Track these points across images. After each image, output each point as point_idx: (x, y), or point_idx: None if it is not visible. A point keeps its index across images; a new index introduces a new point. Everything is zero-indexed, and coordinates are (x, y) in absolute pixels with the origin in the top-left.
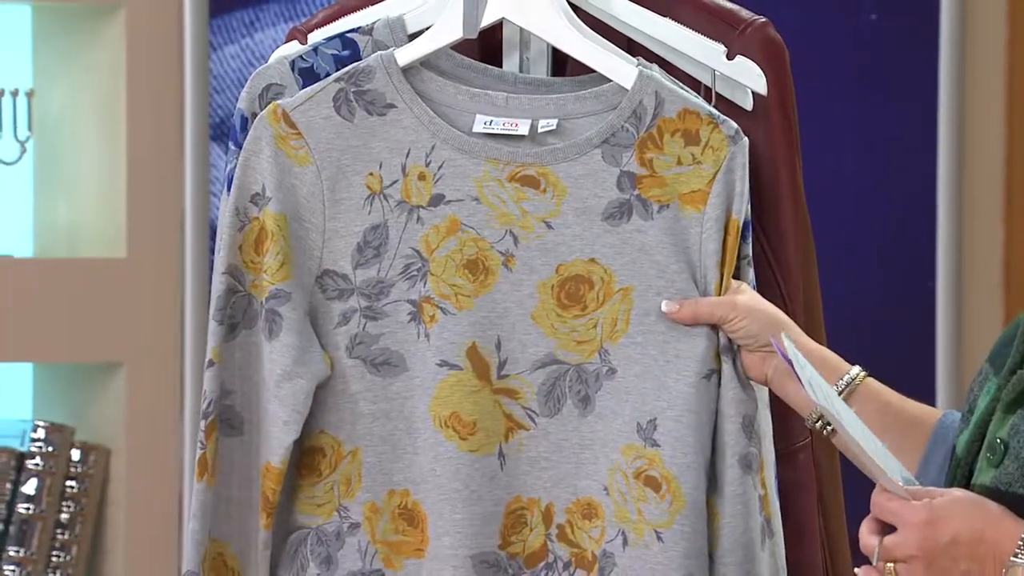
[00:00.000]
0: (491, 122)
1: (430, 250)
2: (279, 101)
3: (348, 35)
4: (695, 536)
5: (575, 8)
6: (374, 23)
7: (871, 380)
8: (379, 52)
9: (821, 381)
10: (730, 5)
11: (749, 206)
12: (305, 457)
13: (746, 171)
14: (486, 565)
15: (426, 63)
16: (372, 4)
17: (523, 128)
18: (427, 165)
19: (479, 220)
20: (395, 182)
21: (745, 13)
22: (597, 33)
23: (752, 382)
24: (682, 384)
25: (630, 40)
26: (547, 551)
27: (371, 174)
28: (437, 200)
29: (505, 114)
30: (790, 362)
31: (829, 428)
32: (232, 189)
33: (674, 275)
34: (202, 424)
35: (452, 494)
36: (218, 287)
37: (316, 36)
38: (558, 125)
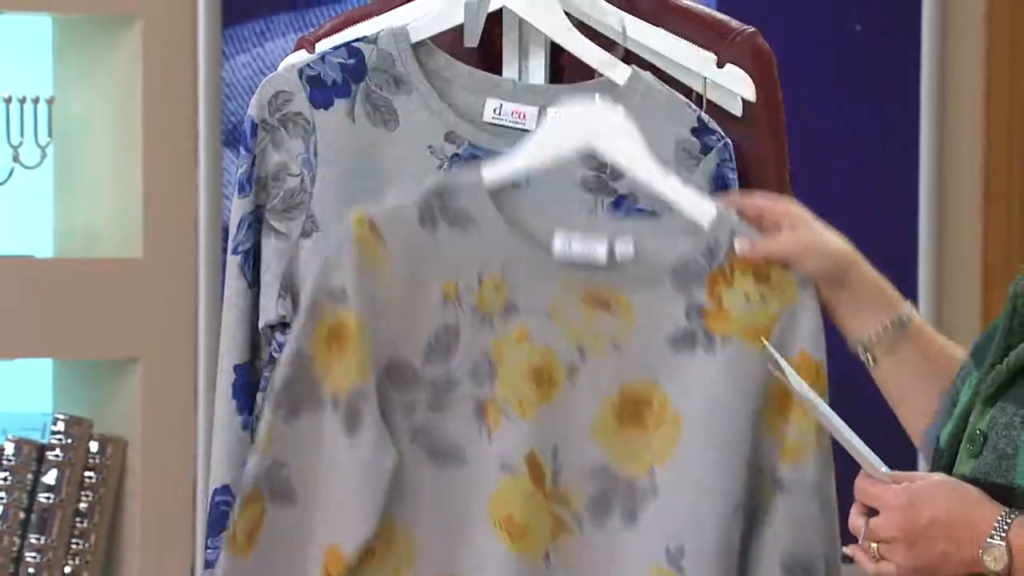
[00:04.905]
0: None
1: (499, 356)
2: (367, 210)
3: (353, 44)
4: None
5: (571, 18)
6: (378, 33)
7: (921, 322)
8: (467, 162)
9: (806, 387)
10: (720, 15)
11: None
12: None
13: (818, 314)
14: None
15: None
16: (377, 15)
17: (600, 251)
18: (503, 277)
19: (549, 334)
20: (470, 290)
21: (734, 23)
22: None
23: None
24: (713, 516)
25: (625, 49)
26: None
27: (448, 281)
28: (510, 310)
29: (587, 232)
30: (779, 371)
31: (872, 359)
32: (312, 285)
33: (726, 410)
34: (238, 498)
35: None
36: (283, 372)
37: (323, 45)
38: (634, 248)
